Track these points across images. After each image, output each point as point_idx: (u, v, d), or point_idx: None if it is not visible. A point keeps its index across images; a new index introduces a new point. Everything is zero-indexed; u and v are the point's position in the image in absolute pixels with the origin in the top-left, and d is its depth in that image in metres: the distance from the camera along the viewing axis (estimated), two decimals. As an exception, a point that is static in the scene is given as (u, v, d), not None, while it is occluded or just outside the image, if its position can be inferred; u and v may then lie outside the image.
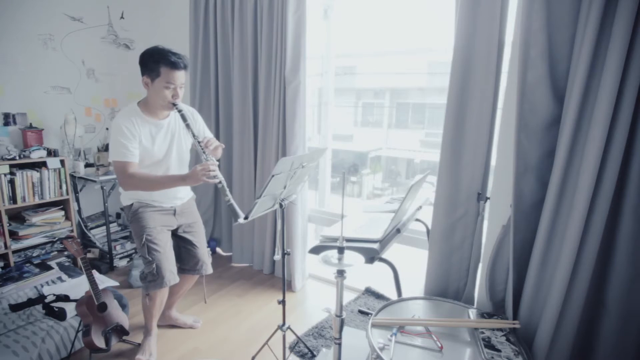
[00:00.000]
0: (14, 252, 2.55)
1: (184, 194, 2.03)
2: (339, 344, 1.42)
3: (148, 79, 1.75)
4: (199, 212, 3.10)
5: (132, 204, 1.89)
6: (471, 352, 1.44)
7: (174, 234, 2.02)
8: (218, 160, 1.83)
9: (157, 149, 1.84)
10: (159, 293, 1.89)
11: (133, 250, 3.04)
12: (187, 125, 1.77)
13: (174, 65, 1.71)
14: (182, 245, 2.06)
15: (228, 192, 1.71)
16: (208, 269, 2.13)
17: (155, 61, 1.71)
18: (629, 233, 1.40)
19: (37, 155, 2.57)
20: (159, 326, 2.19)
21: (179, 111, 1.78)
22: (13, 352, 1.74)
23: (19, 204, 2.51)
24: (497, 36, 1.66)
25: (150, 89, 1.77)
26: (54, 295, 2.15)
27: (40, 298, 2.15)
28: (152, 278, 1.85)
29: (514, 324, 1.57)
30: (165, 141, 1.88)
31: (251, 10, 2.55)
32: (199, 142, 1.76)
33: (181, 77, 1.76)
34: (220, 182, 1.70)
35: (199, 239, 2.10)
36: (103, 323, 1.84)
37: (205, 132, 2.02)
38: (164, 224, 1.93)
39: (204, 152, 1.74)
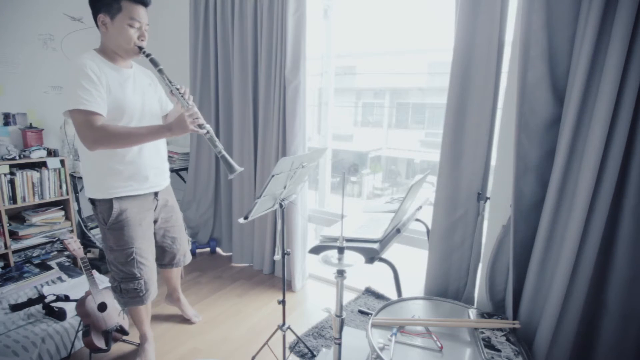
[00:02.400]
0: (14, 252, 2.55)
1: (166, 174, 1.84)
2: (339, 344, 1.42)
3: (106, 16, 1.47)
4: (199, 212, 3.13)
5: (110, 203, 1.58)
6: (471, 352, 1.44)
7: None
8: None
9: (129, 102, 1.55)
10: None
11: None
12: (160, 70, 1.53)
13: None
14: (161, 242, 1.90)
15: (218, 143, 1.51)
16: (188, 257, 2.06)
17: None
18: (629, 233, 1.40)
19: (37, 155, 2.57)
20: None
21: (147, 55, 1.54)
22: (13, 352, 1.74)
23: (19, 204, 2.51)
24: (497, 36, 1.66)
25: (110, 30, 1.49)
26: (54, 295, 2.15)
27: (40, 298, 2.15)
28: (136, 295, 1.70)
29: (514, 324, 1.57)
30: (136, 94, 1.59)
31: (251, 10, 2.55)
32: (177, 89, 1.53)
33: (145, 15, 1.53)
34: (207, 132, 1.50)
35: (178, 231, 1.96)
36: (103, 323, 1.84)
37: (167, 102, 1.82)
38: (149, 226, 1.75)
39: (184, 99, 1.52)
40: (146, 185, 1.69)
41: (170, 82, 1.54)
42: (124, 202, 1.62)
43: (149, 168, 1.68)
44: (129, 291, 1.70)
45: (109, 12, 1.47)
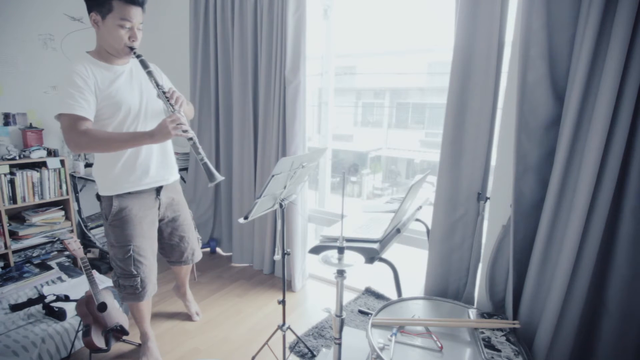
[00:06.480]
0: (14, 252, 2.55)
1: (172, 168, 1.82)
2: (339, 344, 1.42)
3: (97, 15, 1.46)
4: (199, 212, 3.13)
5: (111, 200, 1.62)
6: (471, 352, 1.44)
7: (158, 227, 1.85)
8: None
9: (123, 97, 1.55)
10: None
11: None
12: (149, 73, 1.51)
13: None
14: (168, 240, 1.92)
15: (201, 150, 1.52)
16: (197, 255, 2.05)
17: None
18: (628, 233, 1.39)
19: (37, 155, 2.57)
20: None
21: (138, 57, 1.52)
22: (13, 352, 1.74)
23: (19, 204, 2.51)
24: (497, 36, 1.66)
25: (101, 30, 1.48)
26: (54, 295, 2.15)
27: (40, 298, 2.15)
28: (133, 291, 1.72)
29: (514, 324, 1.57)
30: (133, 89, 1.60)
31: (251, 11, 2.55)
32: (163, 93, 1.52)
33: (138, 15, 1.49)
34: (191, 138, 1.50)
35: (187, 230, 1.96)
36: (103, 323, 1.84)
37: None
38: (151, 225, 1.75)
39: (170, 104, 1.51)
40: (146, 180, 1.68)
41: (157, 85, 1.53)
42: (125, 199, 1.65)
43: (150, 162, 1.69)
44: (126, 287, 1.73)
45: (101, 12, 1.46)
